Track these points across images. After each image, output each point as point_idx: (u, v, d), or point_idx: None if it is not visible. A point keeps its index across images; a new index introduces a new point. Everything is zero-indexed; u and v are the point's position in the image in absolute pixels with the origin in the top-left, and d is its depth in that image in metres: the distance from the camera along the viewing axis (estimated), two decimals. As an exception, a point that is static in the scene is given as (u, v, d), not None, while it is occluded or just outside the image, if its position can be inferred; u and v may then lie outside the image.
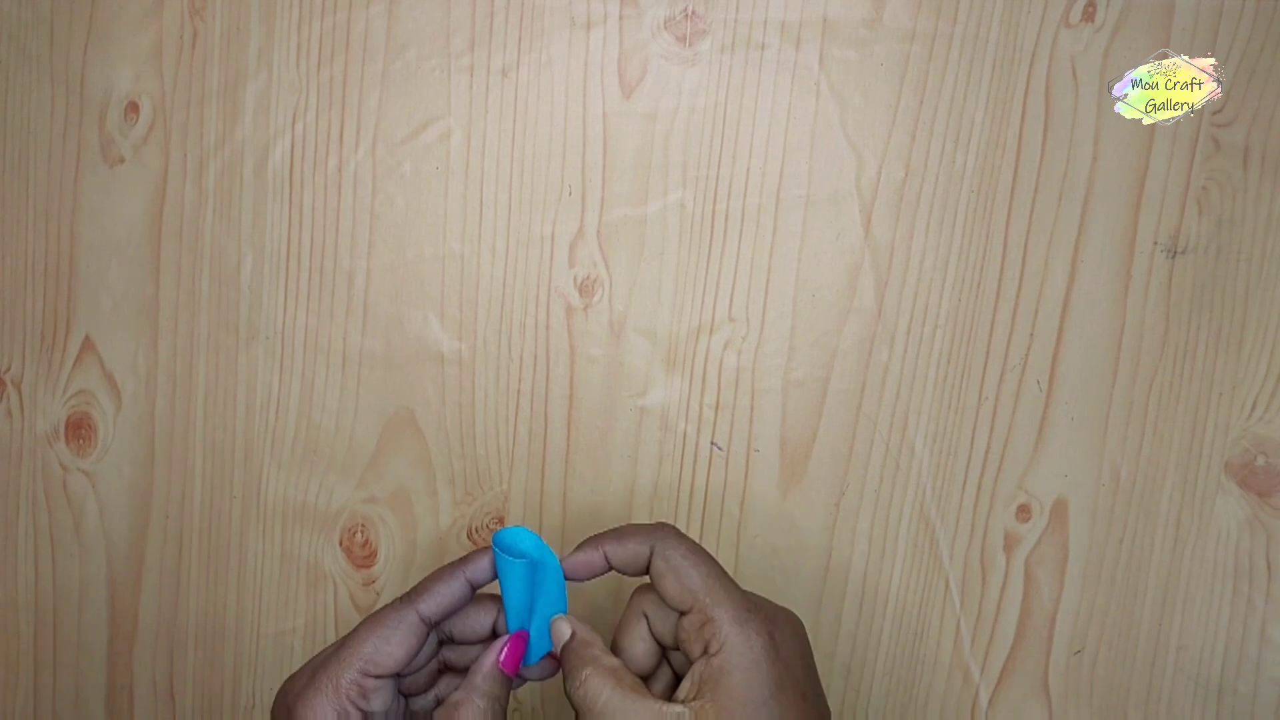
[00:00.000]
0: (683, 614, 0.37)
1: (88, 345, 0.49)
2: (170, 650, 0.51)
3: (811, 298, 0.46)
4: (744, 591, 0.38)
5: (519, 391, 0.48)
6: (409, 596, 0.38)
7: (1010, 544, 0.47)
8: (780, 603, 0.39)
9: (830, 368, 0.46)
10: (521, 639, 0.39)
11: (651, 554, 0.38)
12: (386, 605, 0.38)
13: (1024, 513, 0.47)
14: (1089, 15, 0.44)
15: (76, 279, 0.49)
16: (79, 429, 0.50)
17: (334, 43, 0.46)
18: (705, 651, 0.36)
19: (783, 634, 0.36)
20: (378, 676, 0.37)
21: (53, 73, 0.48)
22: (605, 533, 0.39)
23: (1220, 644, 0.46)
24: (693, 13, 0.45)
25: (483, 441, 0.48)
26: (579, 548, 0.39)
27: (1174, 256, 0.45)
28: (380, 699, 0.37)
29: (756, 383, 0.47)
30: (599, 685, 0.36)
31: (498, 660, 0.38)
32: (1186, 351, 0.46)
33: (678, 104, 0.46)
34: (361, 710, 0.37)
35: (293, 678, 0.38)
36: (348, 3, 0.46)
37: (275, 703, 0.38)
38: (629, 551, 0.38)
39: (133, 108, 0.48)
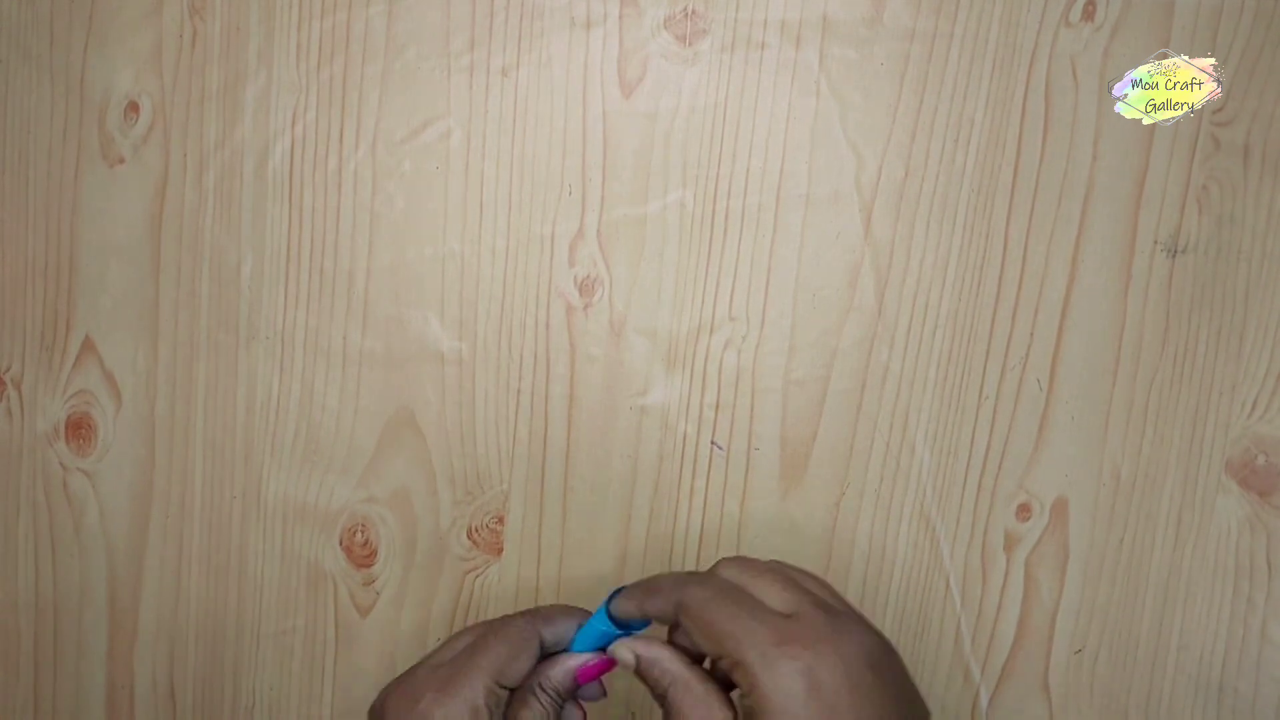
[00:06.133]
0: (716, 660, 0.36)
1: (88, 345, 0.49)
2: (170, 650, 0.50)
3: (811, 297, 0.46)
4: (784, 620, 0.35)
5: (519, 391, 0.48)
6: (533, 616, 0.41)
7: (1010, 543, 0.47)
8: None
9: (830, 367, 0.46)
10: (606, 662, 0.40)
11: (677, 608, 0.37)
12: (510, 619, 0.41)
13: (1024, 512, 0.47)
14: (1089, 14, 0.44)
15: (76, 279, 0.49)
16: (79, 429, 0.50)
17: (334, 43, 0.46)
18: (740, 690, 0.35)
19: (827, 666, 0.34)
20: (506, 687, 0.39)
21: (53, 73, 0.48)
22: (638, 584, 0.39)
23: (1221, 643, 0.46)
24: (693, 12, 0.45)
25: (483, 441, 0.48)
26: (620, 597, 0.39)
27: (1174, 256, 0.45)
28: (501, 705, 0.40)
29: (756, 382, 0.47)
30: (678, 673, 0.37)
31: (577, 666, 0.40)
32: (1187, 350, 0.46)
33: (678, 103, 0.46)
34: (490, 711, 0.39)
35: (411, 686, 0.39)
36: (348, 3, 0.46)
37: (386, 710, 0.39)
38: (658, 607, 0.38)
39: (133, 108, 0.48)
